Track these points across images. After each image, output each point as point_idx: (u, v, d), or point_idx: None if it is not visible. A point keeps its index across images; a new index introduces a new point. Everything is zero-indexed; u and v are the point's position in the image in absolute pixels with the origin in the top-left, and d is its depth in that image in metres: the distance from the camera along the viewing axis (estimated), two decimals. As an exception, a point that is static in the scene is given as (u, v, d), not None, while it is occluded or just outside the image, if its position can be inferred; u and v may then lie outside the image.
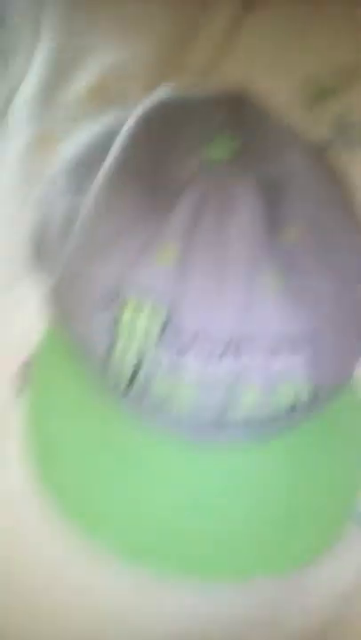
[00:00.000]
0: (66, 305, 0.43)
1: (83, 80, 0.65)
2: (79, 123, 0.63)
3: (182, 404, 0.41)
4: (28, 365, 0.49)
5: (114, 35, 0.67)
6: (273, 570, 0.41)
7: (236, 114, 0.47)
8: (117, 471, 0.44)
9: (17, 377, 0.49)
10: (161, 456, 0.43)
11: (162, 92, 0.47)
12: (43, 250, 0.46)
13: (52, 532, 0.43)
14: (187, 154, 0.45)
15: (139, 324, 0.41)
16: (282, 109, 0.56)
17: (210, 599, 0.42)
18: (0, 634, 0.42)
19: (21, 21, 0.69)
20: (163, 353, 0.40)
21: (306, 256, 0.43)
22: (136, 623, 0.42)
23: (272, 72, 0.63)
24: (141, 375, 0.41)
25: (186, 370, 0.40)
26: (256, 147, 0.47)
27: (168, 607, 0.43)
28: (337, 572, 0.43)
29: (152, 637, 0.42)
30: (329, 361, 0.42)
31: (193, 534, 0.41)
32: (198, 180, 0.42)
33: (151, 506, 0.42)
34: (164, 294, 0.40)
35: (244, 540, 0.41)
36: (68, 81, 0.65)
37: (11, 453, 0.45)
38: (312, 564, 0.42)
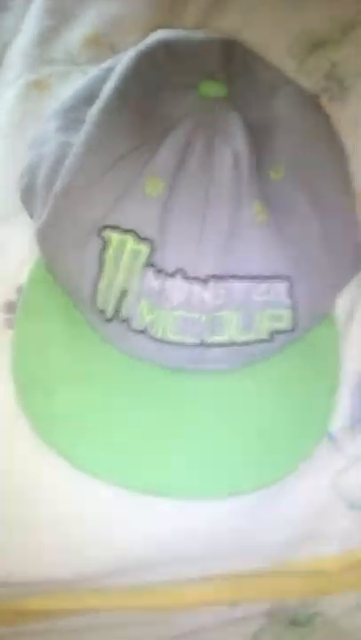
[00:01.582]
0: (54, 240, 0.45)
1: (77, 31, 0.66)
2: (74, 69, 0.65)
3: (165, 329, 0.43)
4: (17, 297, 0.51)
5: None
6: (251, 484, 0.44)
7: (228, 58, 0.49)
8: (103, 396, 0.46)
9: (6, 308, 0.50)
10: (145, 380, 0.46)
11: (157, 34, 0.49)
12: (33, 187, 0.48)
13: (40, 457, 0.45)
14: (179, 92, 0.47)
15: (124, 257, 0.43)
16: (275, 61, 0.59)
17: (189, 513, 0.45)
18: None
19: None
20: (147, 283, 0.43)
21: (293, 193, 0.46)
22: (118, 536, 0.45)
23: (266, 27, 0.65)
24: (126, 302, 0.44)
25: (169, 298, 0.43)
26: (245, 90, 0.49)
27: (149, 520, 0.45)
28: (311, 488, 0.47)
29: (134, 548, 0.45)
30: (309, 293, 0.45)
31: (177, 453, 0.44)
32: (188, 118, 0.45)
33: (136, 428, 0.45)
34: (148, 228, 0.42)
35: (224, 457, 0.45)
36: (61, 33, 0.66)
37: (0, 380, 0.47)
38: (287, 479, 0.45)
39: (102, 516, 0.45)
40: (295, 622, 0.51)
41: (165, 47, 0.48)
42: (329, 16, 0.66)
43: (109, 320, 0.44)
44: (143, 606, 0.48)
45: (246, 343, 0.44)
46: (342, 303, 0.52)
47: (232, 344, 0.44)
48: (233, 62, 0.50)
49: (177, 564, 0.46)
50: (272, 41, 0.64)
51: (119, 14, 0.67)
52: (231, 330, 0.44)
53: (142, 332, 0.44)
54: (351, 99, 0.61)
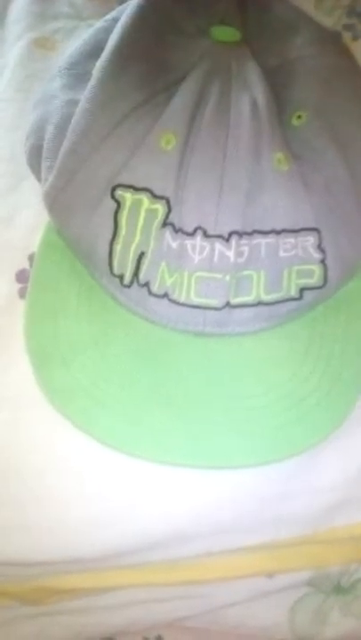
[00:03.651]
0: (64, 203, 0.44)
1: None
2: (81, 25, 0.63)
3: (188, 291, 0.42)
4: (29, 265, 0.50)
5: None
6: (283, 452, 0.43)
7: (237, 5, 0.48)
8: (123, 365, 0.44)
9: (18, 277, 0.50)
10: (168, 346, 0.44)
11: None
12: (39, 149, 0.46)
13: (52, 427, 0.44)
14: (189, 39, 0.46)
15: (140, 218, 0.42)
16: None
17: (218, 484, 0.44)
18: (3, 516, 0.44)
19: None
20: (165, 243, 0.41)
21: (317, 139, 0.44)
22: (146, 511, 0.44)
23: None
24: (145, 265, 0.42)
25: (189, 258, 0.41)
26: (262, 33, 0.47)
27: (177, 493, 0.44)
28: (347, 452, 0.45)
29: (162, 522, 0.44)
30: (339, 245, 0.43)
31: (207, 421, 0.43)
32: (201, 65, 0.43)
33: (160, 397, 0.43)
34: (163, 185, 0.41)
35: (258, 422, 0.43)
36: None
37: (15, 352, 0.46)
38: (323, 444, 0.44)
39: (129, 491, 0.44)
40: (338, 590, 0.50)
41: None
42: None
43: (128, 285, 0.43)
44: (178, 581, 0.47)
45: (274, 302, 0.43)
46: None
47: (259, 304, 0.43)
48: (247, 4, 0.48)
49: (208, 536, 0.45)
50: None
51: None
52: (258, 289, 0.43)
53: (163, 295, 0.42)
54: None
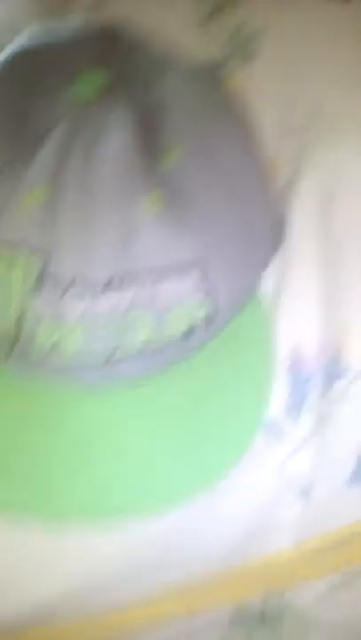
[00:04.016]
0: None
1: None
2: None
3: (70, 349, 0.41)
4: None
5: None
6: (186, 492, 0.43)
7: (108, 48, 0.47)
8: (11, 430, 0.44)
9: None
10: (57, 404, 0.44)
11: (27, 35, 0.47)
12: None
13: None
14: (53, 96, 0.45)
15: (14, 279, 0.41)
16: (175, 33, 0.57)
17: (123, 533, 0.43)
18: None
19: None
20: (43, 303, 0.40)
21: (194, 176, 0.44)
22: (35, 574, 0.43)
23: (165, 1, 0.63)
24: (25, 330, 0.41)
25: (68, 314, 0.40)
26: (133, 74, 0.47)
27: (71, 552, 0.43)
28: (256, 481, 0.45)
29: (58, 584, 0.44)
30: (223, 282, 0.43)
31: (100, 475, 0.43)
32: (65, 119, 0.42)
33: (53, 456, 0.43)
34: (35, 242, 0.40)
35: (153, 469, 0.43)
36: None
37: None
38: (229, 477, 0.44)
39: (26, 554, 0.43)
40: (263, 620, 0.50)
41: (32, 53, 0.46)
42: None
43: (9, 350, 0.42)
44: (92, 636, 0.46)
45: (162, 344, 0.43)
46: (268, 282, 0.50)
47: (146, 348, 0.42)
48: (117, 48, 0.47)
49: (117, 587, 0.45)
50: (171, 11, 0.63)
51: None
52: (143, 333, 0.42)
53: (47, 354, 0.41)
54: (259, 60, 0.60)
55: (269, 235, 0.48)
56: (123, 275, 0.41)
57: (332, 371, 0.46)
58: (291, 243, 0.50)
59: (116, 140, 0.41)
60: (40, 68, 0.45)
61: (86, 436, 0.43)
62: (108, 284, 0.40)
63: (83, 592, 0.44)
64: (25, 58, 0.45)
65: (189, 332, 0.43)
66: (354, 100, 0.52)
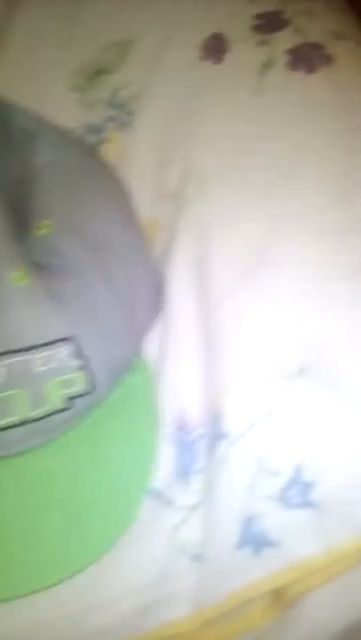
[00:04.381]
0: None
1: None
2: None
3: None
4: None
5: None
6: (67, 571, 0.42)
7: None
8: None
9: None
10: None
11: None
12: None
13: None
14: None
15: None
16: (53, 99, 0.57)
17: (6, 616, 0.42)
18: None
19: None
20: None
21: (64, 246, 0.44)
22: None
23: (43, 69, 0.64)
24: None
25: None
26: (1, 144, 0.47)
27: None
28: (145, 551, 0.44)
29: None
30: (100, 347, 0.44)
31: None
32: None
33: None
34: None
35: (31, 548, 0.42)
36: None
37: None
38: (117, 549, 0.43)
39: None
40: None
41: None
42: (103, 44, 0.65)
43: None
44: None
45: (42, 417, 0.42)
46: (152, 346, 0.50)
47: (26, 422, 0.42)
48: None
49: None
50: (52, 77, 0.63)
51: None
52: (21, 408, 0.42)
53: None
54: (135, 125, 0.60)
55: (150, 300, 0.49)
56: None
57: (214, 435, 0.46)
58: (170, 307, 0.50)
59: None
60: None
61: None
62: None
63: None
64: None
65: (70, 402, 0.43)
66: (224, 159, 0.53)
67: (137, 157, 0.57)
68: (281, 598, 0.44)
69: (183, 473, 0.46)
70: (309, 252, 0.48)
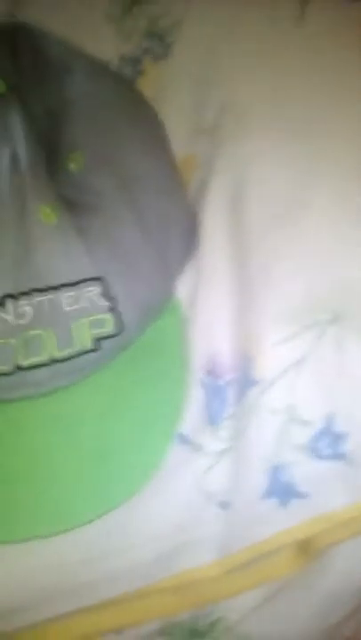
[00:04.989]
0: None
1: None
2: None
3: None
4: None
5: None
6: (97, 511, 0.42)
7: (11, 46, 0.46)
8: None
9: None
10: None
11: None
12: None
13: None
14: None
15: None
16: (90, 29, 0.55)
17: (33, 554, 0.42)
18: None
19: None
20: None
21: (96, 182, 0.43)
22: None
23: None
24: None
25: None
26: (34, 77, 0.45)
27: None
28: (173, 496, 0.44)
29: None
30: (130, 288, 0.43)
31: (10, 494, 0.41)
32: None
33: None
34: None
35: (65, 486, 0.42)
36: None
37: None
38: (144, 492, 0.43)
39: None
40: (195, 634, 0.49)
41: None
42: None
43: None
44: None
45: (69, 358, 0.42)
46: (184, 288, 0.49)
47: (53, 362, 0.42)
48: (16, 49, 0.46)
49: (36, 606, 0.43)
50: (87, 7, 0.61)
51: None
52: (49, 347, 0.41)
53: None
54: (172, 57, 0.58)
55: (183, 240, 0.47)
56: (21, 289, 0.40)
57: (245, 381, 0.45)
58: (204, 248, 0.48)
59: (9, 150, 0.41)
60: None
61: None
62: (3, 303, 0.40)
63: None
64: None
65: (100, 342, 0.42)
66: (263, 93, 0.51)
67: (173, 90, 0.55)
68: (307, 549, 0.43)
69: (212, 418, 0.45)
70: (349, 193, 0.46)
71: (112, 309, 0.42)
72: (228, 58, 0.55)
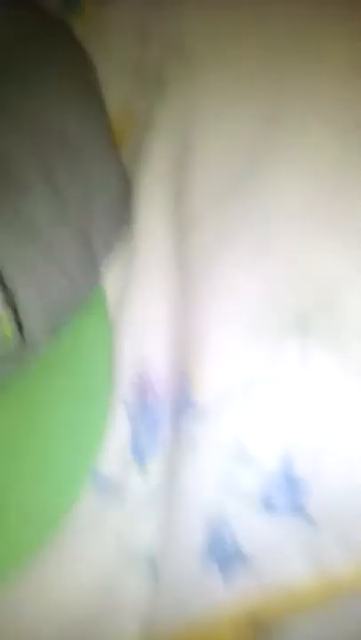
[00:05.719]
0: None
1: None
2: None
3: None
4: None
5: None
6: None
7: None
8: None
9: None
10: None
11: None
12: None
13: None
14: None
15: None
16: None
17: None
18: None
19: None
20: None
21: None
22: None
23: None
24: None
25: None
26: None
27: None
28: (79, 557, 0.37)
29: None
30: (36, 280, 0.35)
31: None
32: None
33: None
34: None
35: None
36: None
37: None
38: (47, 553, 0.36)
39: None
40: None
41: None
42: None
43: None
44: None
45: None
46: (112, 278, 0.40)
47: None
48: None
49: None
50: None
51: None
52: None
53: None
54: None
55: (112, 215, 0.40)
56: None
57: (180, 404, 0.37)
58: (138, 227, 0.41)
59: None
60: None
61: None
62: None
63: None
64: None
65: None
66: (216, 35, 0.42)
67: (111, 30, 0.47)
68: (255, 624, 0.35)
69: (139, 452, 0.37)
70: (318, 161, 0.38)
71: (9, 306, 0.35)
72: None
